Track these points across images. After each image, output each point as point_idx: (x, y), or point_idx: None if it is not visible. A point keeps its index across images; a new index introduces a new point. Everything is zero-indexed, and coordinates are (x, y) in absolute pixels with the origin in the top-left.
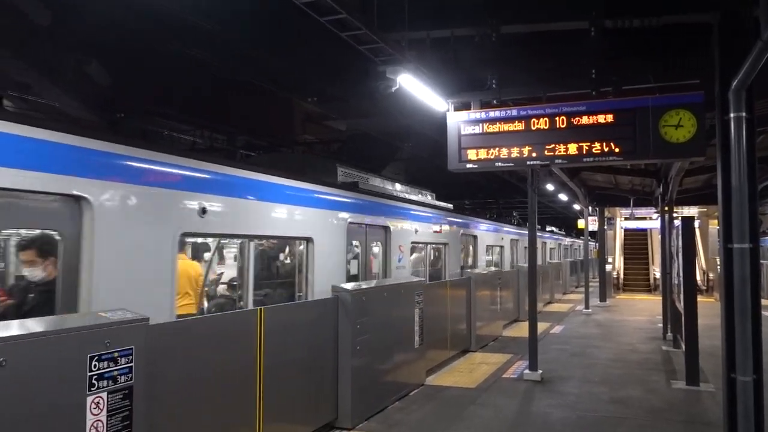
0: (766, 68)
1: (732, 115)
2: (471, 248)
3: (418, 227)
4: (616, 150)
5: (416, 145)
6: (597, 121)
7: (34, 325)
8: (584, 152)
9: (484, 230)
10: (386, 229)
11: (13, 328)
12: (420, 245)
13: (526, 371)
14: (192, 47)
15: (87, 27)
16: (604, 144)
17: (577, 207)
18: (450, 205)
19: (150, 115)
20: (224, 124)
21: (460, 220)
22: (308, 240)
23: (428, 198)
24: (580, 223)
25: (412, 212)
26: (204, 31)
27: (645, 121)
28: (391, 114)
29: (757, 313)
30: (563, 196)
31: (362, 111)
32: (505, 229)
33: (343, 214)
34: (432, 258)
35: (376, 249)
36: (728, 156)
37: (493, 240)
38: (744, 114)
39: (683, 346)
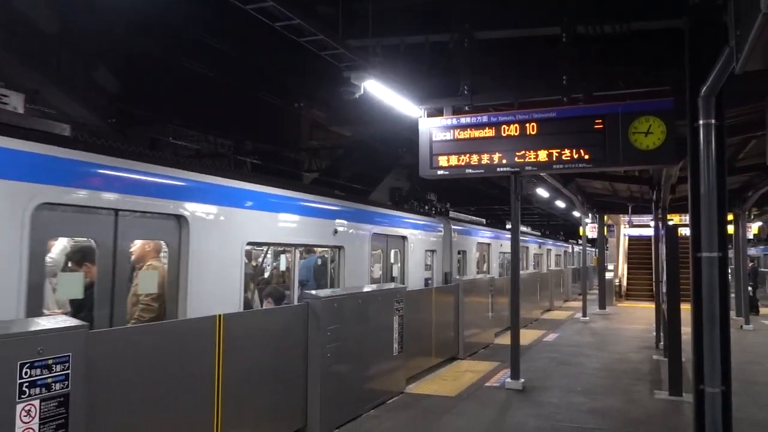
0: (751, 74)
1: (701, 122)
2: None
3: None
4: (586, 157)
5: (410, 151)
6: (567, 128)
7: None
8: (554, 159)
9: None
10: None
11: None
12: None
13: (508, 380)
14: (194, 60)
15: (95, 35)
16: (574, 151)
17: (576, 214)
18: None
19: (157, 122)
20: (231, 131)
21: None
22: None
23: None
24: (581, 230)
25: None
26: (204, 44)
27: (615, 128)
28: (378, 120)
29: (726, 322)
30: (560, 203)
31: (350, 118)
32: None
33: None
34: None
35: None
36: (697, 164)
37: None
38: (713, 121)
39: None
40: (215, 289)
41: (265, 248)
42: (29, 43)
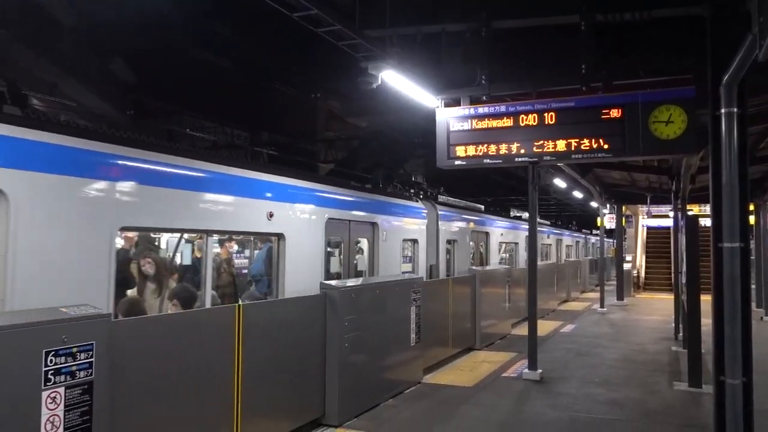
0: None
1: (723, 110)
2: None
3: None
4: (605, 147)
5: (426, 142)
6: (586, 117)
7: None
8: (573, 149)
9: None
10: None
11: None
12: None
13: (525, 370)
14: (209, 51)
15: (112, 27)
16: (593, 140)
17: (594, 205)
18: None
19: (173, 113)
20: (247, 122)
21: None
22: None
23: None
24: (599, 221)
25: None
26: (220, 36)
27: (634, 117)
28: (394, 111)
29: (747, 313)
30: (578, 194)
31: (366, 108)
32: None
33: None
34: None
35: None
36: (719, 153)
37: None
38: (735, 110)
39: None
40: (62, 291)
41: (161, 236)
42: (46, 35)
